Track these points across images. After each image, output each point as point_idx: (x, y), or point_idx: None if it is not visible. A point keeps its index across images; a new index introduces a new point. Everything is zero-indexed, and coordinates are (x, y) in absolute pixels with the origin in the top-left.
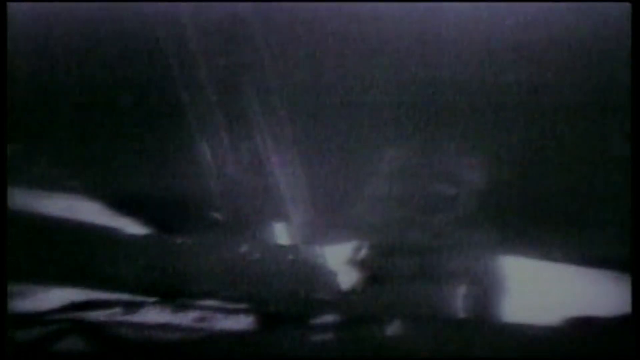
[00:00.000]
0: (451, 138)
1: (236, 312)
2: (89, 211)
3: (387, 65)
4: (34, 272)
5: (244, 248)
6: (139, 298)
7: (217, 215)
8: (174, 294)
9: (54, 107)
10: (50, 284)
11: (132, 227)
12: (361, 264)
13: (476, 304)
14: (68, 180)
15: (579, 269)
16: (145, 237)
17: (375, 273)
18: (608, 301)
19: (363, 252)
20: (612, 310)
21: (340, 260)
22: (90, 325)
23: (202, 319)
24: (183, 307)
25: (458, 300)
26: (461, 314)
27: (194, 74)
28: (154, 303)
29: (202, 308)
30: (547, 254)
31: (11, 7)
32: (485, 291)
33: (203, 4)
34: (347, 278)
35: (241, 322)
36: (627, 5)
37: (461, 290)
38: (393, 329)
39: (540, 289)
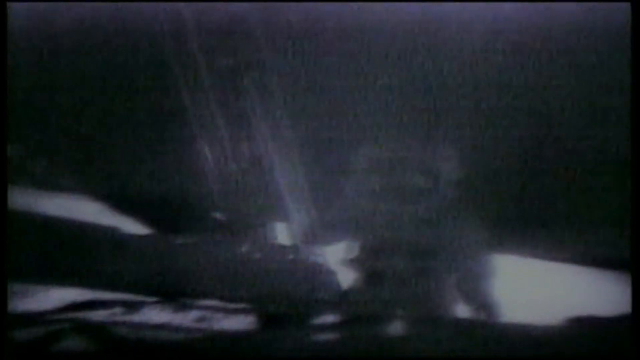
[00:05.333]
0: (452, 138)
1: (236, 312)
2: (89, 211)
3: (388, 65)
4: (34, 272)
5: (244, 248)
6: (139, 298)
7: (217, 215)
8: (174, 294)
9: (54, 107)
10: (50, 284)
11: (132, 227)
12: (361, 263)
13: (476, 304)
14: (68, 180)
15: (579, 269)
16: (145, 237)
17: (375, 272)
18: (608, 301)
19: (363, 251)
20: (612, 310)
21: (340, 260)
22: (90, 325)
23: (202, 319)
24: (183, 307)
25: (458, 299)
26: (461, 314)
27: (195, 74)
28: (154, 303)
29: (202, 308)
30: (547, 254)
31: (11, 7)
32: (485, 291)
33: (203, 4)
34: (347, 277)
35: (241, 322)
36: (627, 5)
37: (461, 290)
38: (393, 328)
39: (540, 289)
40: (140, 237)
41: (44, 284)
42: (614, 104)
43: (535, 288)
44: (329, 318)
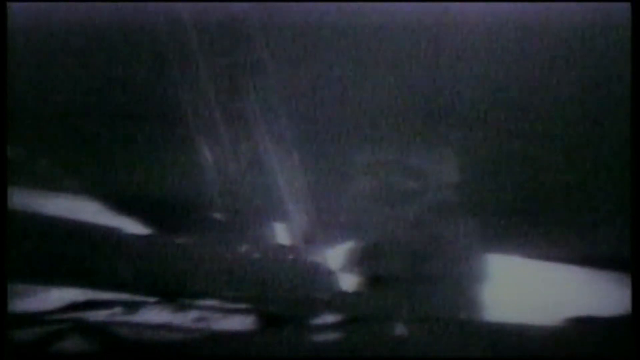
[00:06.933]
0: (452, 139)
1: (236, 312)
2: (89, 211)
3: (387, 66)
4: (34, 272)
5: (244, 248)
6: (139, 298)
7: (217, 215)
8: (174, 294)
9: (55, 107)
10: (50, 284)
11: (132, 227)
12: (361, 264)
13: (476, 304)
14: (68, 180)
15: (579, 269)
16: (145, 237)
17: (375, 273)
18: (608, 301)
19: (363, 252)
20: (612, 310)
21: (340, 260)
22: (90, 325)
23: (202, 319)
24: (183, 307)
25: (457, 300)
26: (461, 314)
27: (194, 74)
28: (154, 303)
29: (202, 308)
30: (547, 254)
31: (11, 7)
32: (485, 291)
33: (203, 4)
34: (346, 278)
35: (241, 322)
36: (627, 5)
37: (460, 291)
38: (392, 329)
39: (541, 289)
40: (140, 237)
41: (44, 284)
42: (614, 104)
43: (535, 288)
44: (328, 318)
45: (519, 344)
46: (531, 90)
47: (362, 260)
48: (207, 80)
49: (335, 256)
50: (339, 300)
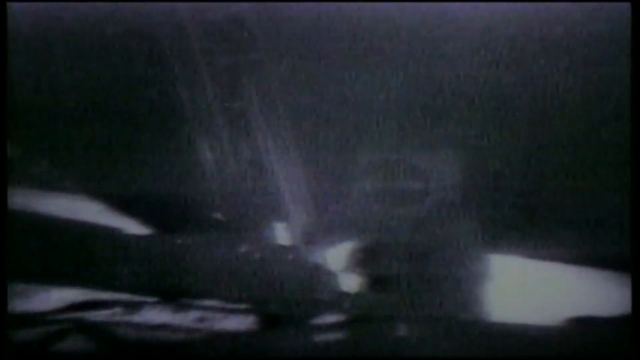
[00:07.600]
0: (453, 139)
1: (236, 312)
2: (89, 211)
3: (387, 65)
4: (34, 272)
5: (244, 248)
6: (139, 298)
7: (217, 215)
8: (174, 294)
9: (55, 107)
10: (50, 284)
11: (132, 227)
12: (361, 264)
13: (476, 304)
14: (68, 180)
15: (579, 269)
16: (145, 237)
17: (375, 273)
18: (608, 301)
19: (363, 253)
20: (612, 310)
21: (340, 261)
22: (90, 325)
23: (202, 319)
24: (183, 307)
25: (457, 300)
26: (461, 314)
27: (194, 74)
28: (154, 303)
29: (202, 308)
30: (547, 254)
31: (11, 7)
32: (485, 291)
33: (203, 4)
34: (347, 278)
35: (241, 322)
36: (627, 5)
37: (460, 291)
38: (393, 329)
39: (541, 289)
40: (140, 237)
41: (44, 284)
42: (614, 104)
43: (535, 288)
44: (329, 318)
45: (519, 344)
46: (531, 90)
47: (362, 260)
48: (207, 80)
49: (336, 256)
50: (339, 301)
